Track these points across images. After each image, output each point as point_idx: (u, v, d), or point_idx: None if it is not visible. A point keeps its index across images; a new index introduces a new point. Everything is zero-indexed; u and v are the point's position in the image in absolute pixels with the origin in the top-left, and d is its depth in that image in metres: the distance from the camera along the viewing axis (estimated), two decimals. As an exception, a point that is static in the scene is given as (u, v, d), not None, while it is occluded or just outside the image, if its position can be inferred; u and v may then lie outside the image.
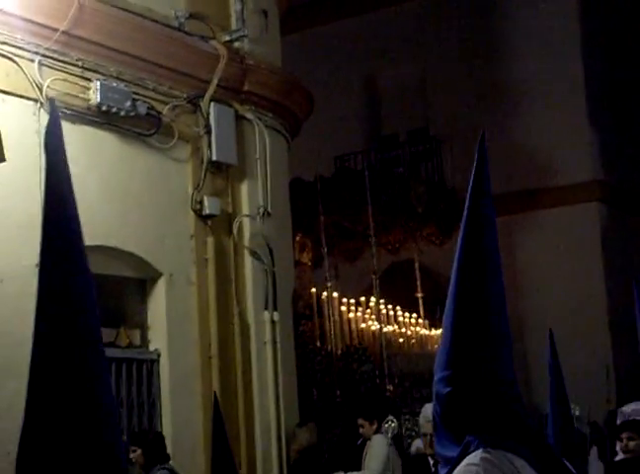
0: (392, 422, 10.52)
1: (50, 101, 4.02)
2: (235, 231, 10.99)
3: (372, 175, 15.14)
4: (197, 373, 10.35)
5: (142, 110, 9.91)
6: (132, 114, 9.77)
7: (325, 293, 14.06)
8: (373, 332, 14.50)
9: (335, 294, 14.15)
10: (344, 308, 14.32)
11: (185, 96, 10.53)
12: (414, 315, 15.77)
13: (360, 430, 11.25)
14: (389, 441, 10.68)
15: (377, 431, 10.96)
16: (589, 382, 14.94)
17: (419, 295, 16.00)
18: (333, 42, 20.44)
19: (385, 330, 14.53)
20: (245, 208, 11.17)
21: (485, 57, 19.36)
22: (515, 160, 18.34)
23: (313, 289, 14.21)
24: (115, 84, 9.64)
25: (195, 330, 10.42)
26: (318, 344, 13.98)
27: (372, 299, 14.78)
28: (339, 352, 13.87)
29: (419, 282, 16.01)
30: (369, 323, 14.61)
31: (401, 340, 14.89)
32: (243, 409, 10.72)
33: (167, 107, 10.30)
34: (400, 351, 14.52)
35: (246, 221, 11.14)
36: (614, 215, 19.10)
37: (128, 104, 9.70)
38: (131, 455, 8.33)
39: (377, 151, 19.15)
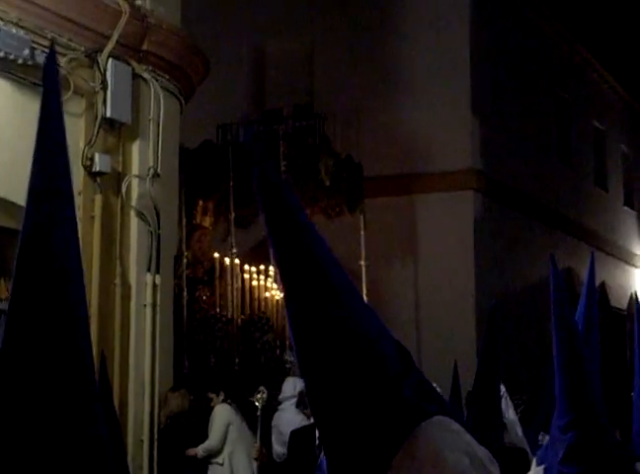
0: (263, 392, 10.74)
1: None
2: (124, 190, 10.95)
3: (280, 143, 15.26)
4: (75, 331, 10.27)
5: (40, 59, 9.77)
6: (30, 63, 9.65)
7: (227, 259, 14.11)
8: (277, 301, 14.56)
9: (237, 261, 14.19)
10: (246, 276, 14.35)
11: (83, 49, 10.44)
12: None
13: (211, 403, 11.49)
14: (234, 410, 11.01)
15: (224, 401, 11.36)
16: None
17: None
18: (227, 7, 20.40)
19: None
20: (135, 168, 11.13)
21: (373, 38, 19.53)
22: (395, 143, 18.62)
23: (216, 254, 14.20)
24: (14, 31, 9.52)
25: (75, 287, 10.34)
26: (218, 310, 14.01)
27: (272, 269, 14.84)
28: (240, 320, 13.92)
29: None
30: (273, 292, 14.64)
31: None
32: (118, 370, 10.68)
33: (65, 59, 10.15)
34: None
35: (135, 181, 11.11)
36: (488, 204, 19.55)
37: (26, 52, 9.58)
38: None
39: (261, 123, 19.17)
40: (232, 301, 14.04)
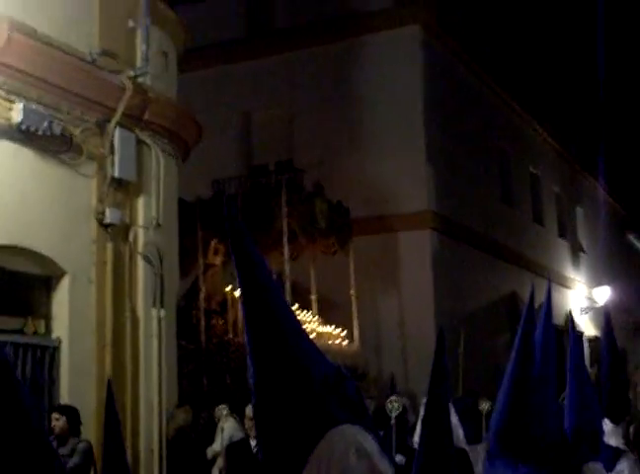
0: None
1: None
2: (131, 239, 10.94)
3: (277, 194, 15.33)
4: (92, 359, 10.25)
5: (57, 130, 9.81)
6: (49, 133, 9.66)
7: (237, 292, 14.17)
8: None
9: None
10: None
11: (94, 120, 10.45)
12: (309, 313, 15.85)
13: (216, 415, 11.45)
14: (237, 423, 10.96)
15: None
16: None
17: (312, 297, 16.10)
18: (218, 82, 20.54)
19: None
20: (140, 219, 11.12)
21: (343, 105, 19.64)
22: (364, 191, 18.67)
23: (228, 288, 14.21)
24: (34, 107, 9.53)
25: (92, 322, 10.32)
26: (231, 336, 14.01)
27: None
28: None
29: (314, 285, 16.07)
30: None
31: None
32: (130, 391, 10.66)
33: (78, 129, 10.20)
34: None
35: (141, 231, 11.10)
36: (444, 241, 19.59)
37: (45, 125, 9.59)
38: (54, 423, 8.11)
39: (249, 177, 19.21)
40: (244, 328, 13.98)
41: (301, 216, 15.25)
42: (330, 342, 15.52)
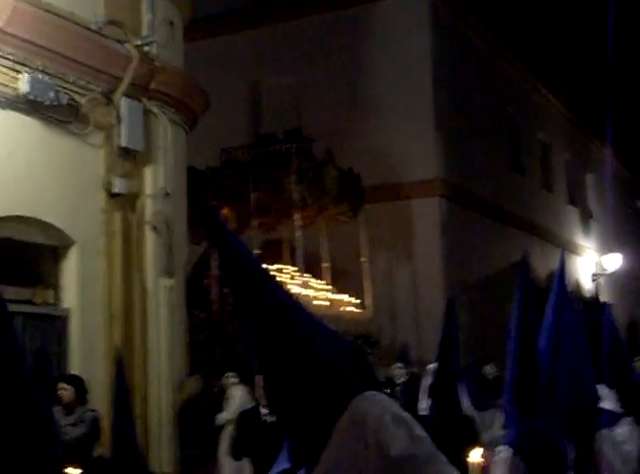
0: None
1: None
2: (139, 208, 10.93)
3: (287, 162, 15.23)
4: (102, 329, 10.26)
5: (64, 100, 9.78)
6: (55, 103, 9.62)
7: None
8: (295, 294, 14.41)
9: None
10: None
11: (100, 90, 10.40)
12: (322, 281, 15.76)
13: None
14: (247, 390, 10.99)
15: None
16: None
17: (325, 265, 16.01)
18: (226, 51, 20.42)
19: (305, 293, 14.47)
20: (148, 189, 11.09)
21: (352, 73, 19.53)
22: (373, 159, 18.58)
23: None
24: (40, 76, 9.48)
25: (101, 292, 10.33)
26: None
27: (288, 267, 14.85)
28: None
29: (326, 254, 15.97)
30: (290, 287, 14.58)
31: (315, 303, 14.73)
32: (141, 360, 10.69)
33: (85, 98, 10.16)
34: (316, 313, 14.40)
35: (149, 200, 11.07)
36: (453, 209, 19.52)
37: (52, 94, 9.55)
38: (61, 392, 8.11)
39: (257, 146, 19.15)
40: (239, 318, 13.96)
41: (312, 184, 15.14)
42: (342, 309, 15.48)
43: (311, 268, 15.28)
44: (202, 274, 14.76)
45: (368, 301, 16.44)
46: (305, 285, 14.47)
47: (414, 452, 2.75)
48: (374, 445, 2.74)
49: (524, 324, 5.13)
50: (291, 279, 14.77)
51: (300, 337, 2.80)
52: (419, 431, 2.83)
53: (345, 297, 15.76)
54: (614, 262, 29.30)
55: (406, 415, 2.86)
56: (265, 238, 15.61)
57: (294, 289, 14.47)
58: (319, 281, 15.58)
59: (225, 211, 15.39)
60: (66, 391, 8.15)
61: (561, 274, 5.52)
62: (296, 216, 14.55)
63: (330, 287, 15.77)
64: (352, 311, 15.68)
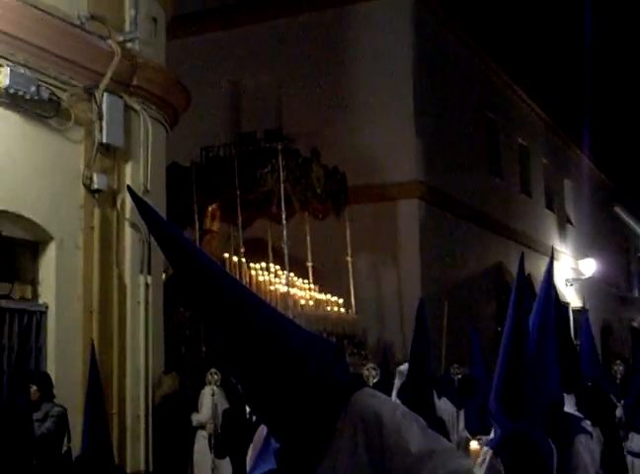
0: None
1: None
2: (119, 205, 10.88)
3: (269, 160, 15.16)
4: (79, 325, 10.22)
5: (45, 95, 9.73)
6: (36, 98, 9.57)
7: (235, 258, 14.14)
8: (280, 293, 14.41)
9: (243, 260, 14.24)
10: (253, 272, 14.32)
11: (82, 86, 10.35)
12: (305, 281, 15.73)
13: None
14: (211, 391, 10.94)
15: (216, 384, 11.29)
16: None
17: (309, 264, 15.97)
18: (208, 49, 20.40)
19: (292, 292, 14.45)
20: (128, 185, 11.08)
21: (332, 74, 19.53)
22: (353, 160, 18.58)
23: (226, 254, 14.21)
24: (22, 71, 9.43)
25: (79, 288, 10.28)
26: None
27: (273, 266, 14.84)
28: None
29: (309, 253, 15.94)
30: (277, 286, 14.54)
31: (302, 302, 14.68)
32: (117, 358, 10.65)
33: (66, 94, 10.12)
34: (303, 311, 14.40)
35: (128, 197, 11.00)
36: (431, 211, 19.57)
37: (33, 89, 9.50)
38: None
39: (237, 145, 19.14)
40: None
41: (298, 182, 15.07)
42: (329, 308, 15.45)
43: (295, 267, 15.25)
44: None
45: (353, 301, 16.42)
46: (291, 285, 14.45)
47: (433, 448, 2.68)
48: (394, 443, 2.64)
49: (517, 324, 5.14)
50: (275, 278, 14.76)
51: (272, 334, 2.61)
52: (427, 427, 2.76)
53: (330, 297, 15.71)
54: (589, 267, 29.49)
55: (408, 411, 2.81)
56: (249, 236, 15.57)
57: (280, 288, 14.47)
58: (304, 281, 15.56)
59: (212, 208, 15.35)
60: (29, 389, 8.15)
61: (549, 276, 5.56)
62: (281, 215, 14.44)
63: (314, 287, 15.75)
64: (338, 311, 15.66)
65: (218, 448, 7.89)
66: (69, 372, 9.92)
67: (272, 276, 14.73)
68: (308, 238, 15.92)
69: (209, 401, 11.30)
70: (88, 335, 10.15)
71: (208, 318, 2.66)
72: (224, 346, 2.64)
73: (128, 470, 10.53)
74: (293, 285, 14.69)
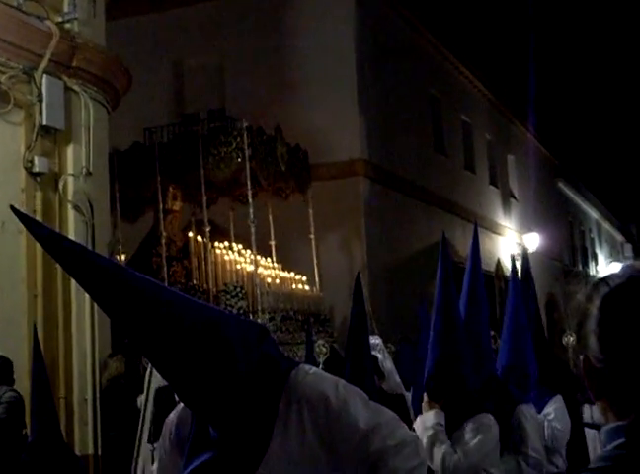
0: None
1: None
2: (61, 188, 10.79)
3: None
4: (23, 309, 10.15)
5: (-17, 77, 9.63)
6: (-27, 81, 9.47)
7: (200, 238, 14.12)
8: (247, 272, 14.36)
9: (208, 240, 14.28)
10: (218, 251, 14.26)
11: (20, 67, 10.23)
12: (269, 259, 15.70)
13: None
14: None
15: None
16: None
17: (272, 242, 15.92)
18: (149, 30, 20.24)
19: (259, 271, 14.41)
20: (70, 168, 10.96)
21: (275, 54, 19.47)
22: (296, 140, 18.55)
23: (190, 234, 14.09)
24: (-42, 53, 9.32)
25: (22, 271, 10.20)
26: (195, 282, 13.90)
27: (235, 245, 14.82)
28: (215, 290, 13.81)
29: (272, 231, 15.90)
30: (243, 265, 14.49)
31: (269, 280, 14.62)
32: (63, 341, 10.60)
33: (4, 76, 10.00)
34: (269, 289, 14.36)
35: (70, 179, 10.95)
36: (376, 189, 19.67)
37: (-31, 72, 9.40)
38: None
39: (181, 126, 19.03)
40: (207, 274, 13.99)
41: (263, 160, 14.98)
42: (294, 286, 15.46)
43: (258, 246, 15.21)
44: (151, 251, 14.63)
45: (317, 279, 16.39)
46: (256, 263, 14.42)
47: (378, 421, 2.68)
48: (342, 420, 2.61)
49: (446, 299, 5.24)
50: (240, 257, 14.75)
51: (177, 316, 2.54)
52: (367, 398, 2.75)
53: (294, 275, 15.70)
54: (533, 241, 29.85)
55: (344, 382, 2.77)
56: (212, 215, 15.52)
57: (247, 267, 14.45)
58: (267, 260, 15.55)
59: (172, 188, 15.24)
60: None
61: (475, 250, 5.68)
62: (247, 193, 14.32)
63: (277, 265, 15.73)
64: (303, 289, 15.66)
65: (152, 432, 7.82)
66: (15, 357, 9.79)
67: (236, 254, 14.71)
68: (270, 217, 15.89)
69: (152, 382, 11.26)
70: (32, 319, 10.08)
71: (125, 325, 2.66)
72: (141, 341, 2.63)
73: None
74: (258, 264, 14.67)
